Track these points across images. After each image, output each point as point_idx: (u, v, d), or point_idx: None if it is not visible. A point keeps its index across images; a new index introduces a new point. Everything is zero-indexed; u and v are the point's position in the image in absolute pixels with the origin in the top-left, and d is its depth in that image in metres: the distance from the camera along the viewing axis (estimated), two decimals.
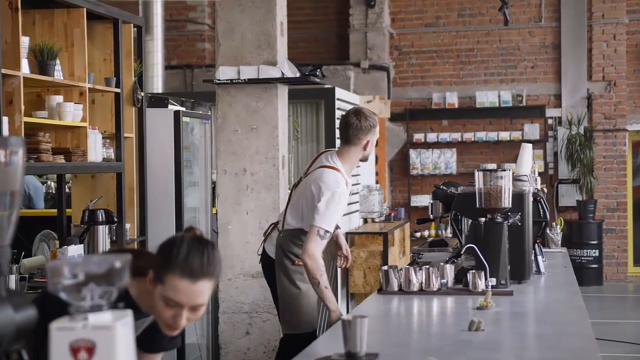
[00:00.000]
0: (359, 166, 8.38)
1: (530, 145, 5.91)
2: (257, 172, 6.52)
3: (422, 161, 13.75)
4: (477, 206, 4.66)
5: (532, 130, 13.51)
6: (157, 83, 11.01)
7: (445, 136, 13.69)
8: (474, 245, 4.57)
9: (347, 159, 5.04)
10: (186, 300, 2.57)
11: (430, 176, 13.47)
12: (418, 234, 13.52)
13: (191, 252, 2.58)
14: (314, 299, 5.08)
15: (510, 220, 4.73)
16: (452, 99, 13.73)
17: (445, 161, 13.69)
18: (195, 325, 7.16)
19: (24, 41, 4.99)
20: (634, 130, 13.69)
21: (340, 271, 8.68)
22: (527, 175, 5.40)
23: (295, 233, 5.03)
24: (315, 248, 4.79)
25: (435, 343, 3.32)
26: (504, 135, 13.43)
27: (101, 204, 5.94)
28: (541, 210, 5.29)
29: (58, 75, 5.27)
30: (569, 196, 13.46)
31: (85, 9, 5.53)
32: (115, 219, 5.87)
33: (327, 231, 4.82)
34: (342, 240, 5.47)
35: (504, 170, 4.68)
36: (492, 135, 13.50)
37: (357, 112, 5.10)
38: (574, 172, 13.20)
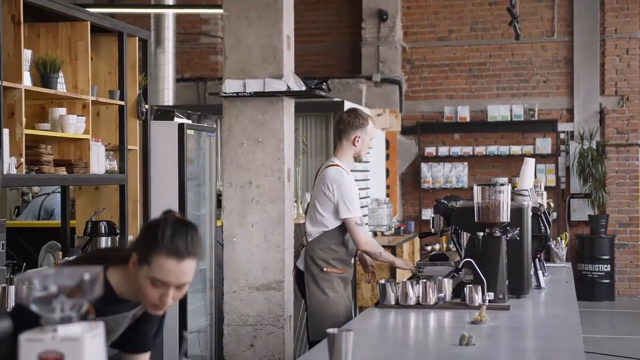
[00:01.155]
0: (367, 170, 8.38)
1: (532, 160, 5.90)
2: (263, 184, 6.53)
3: (434, 175, 13.74)
4: (476, 220, 4.67)
5: (544, 144, 13.48)
6: (167, 96, 11.07)
7: (456, 150, 13.69)
8: (471, 260, 4.58)
9: (341, 155, 5.47)
10: (173, 280, 2.66)
11: (441, 190, 13.45)
12: (429, 247, 13.49)
13: (176, 233, 2.67)
14: (341, 308, 5.38)
15: (509, 235, 4.73)
16: (464, 113, 13.74)
17: (457, 175, 13.68)
18: (199, 338, 7.18)
19: (27, 54, 5.04)
20: None
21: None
22: (528, 190, 5.39)
23: (318, 240, 5.40)
24: (364, 236, 5.38)
25: (424, 357, 3.33)
26: (516, 150, 13.40)
27: (105, 216, 5.97)
28: (542, 225, 5.29)
29: (61, 87, 5.32)
30: (580, 211, 13.42)
31: (89, 22, 5.58)
32: (118, 231, 5.91)
33: (360, 217, 5.32)
34: (366, 257, 5.71)
35: (503, 184, 4.68)
36: (504, 150, 13.48)
37: (349, 110, 5.66)
38: (585, 186, 13.16)
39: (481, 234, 4.65)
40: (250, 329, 6.65)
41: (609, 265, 13.04)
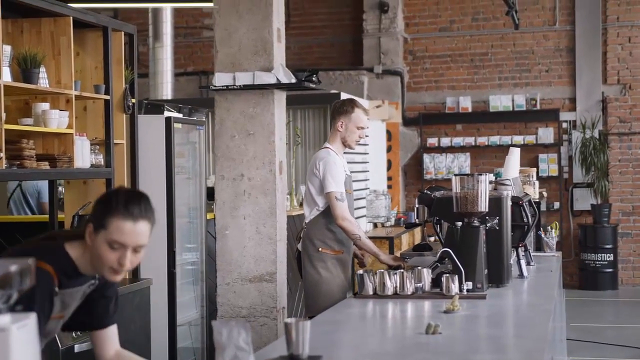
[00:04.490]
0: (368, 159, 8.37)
1: (517, 150, 5.91)
2: (254, 177, 6.55)
3: (436, 166, 13.74)
4: (454, 210, 4.68)
5: (547, 134, 13.45)
6: (166, 90, 11.11)
7: (459, 140, 13.68)
8: (449, 250, 4.59)
9: (332, 140, 5.81)
10: (129, 241, 2.83)
11: (444, 180, 13.42)
12: (432, 238, 13.49)
13: (129, 199, 2.87)
14: (335, 288, 5.61)
15: (488, 225, 4.74)
16: (466, 104, 13.72)
17: (459, 165, 13.67)
18: (190, 330, 7.22)
19: (6, 50, 5.07)
20: None
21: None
22: (510, 180, 5.40)
23: (315, 221, 5.68)
24: (342, 210, 5.51)
25: (387, 346, 3.36)
26: (518, 140, 13.37)
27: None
28: (524, 215, 5.29)
29: (43, 83, 5.35)
30: (583, 200, 13.39)
31: (71, 17, 5.61)
32: None
33: (341, 192, 5.54)
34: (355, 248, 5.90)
35: (480, 174, 4.69)
36: (506, 140, 13.45)
37: (342, 99, 6.05)
38: (588, 175, 13.14)
39: (460, 223, 4.67)
40: (243, 321, 6.68)
41: (612, 255, 13.02)
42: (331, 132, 5.88)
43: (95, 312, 3.14)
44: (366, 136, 6.10)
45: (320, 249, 5.65)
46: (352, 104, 5.83)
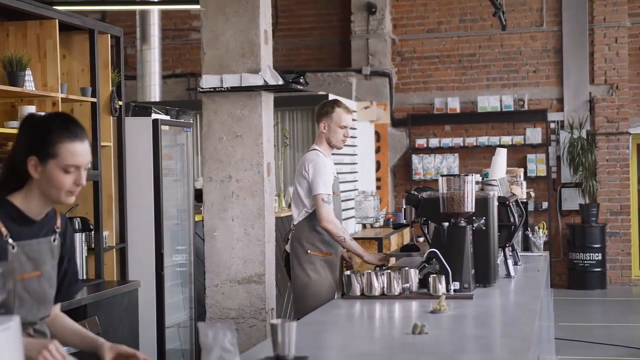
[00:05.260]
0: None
1: (504, 150, 5.93)
2: (242, 179, 6.55)
3: (425, 166, 13.76)
4: (441, 211, 4.70)
5: (535, 134, 13.49)
6: (154, 92, 11.10)
7: (447, 141, 13.71)
8: (436, 250, 4.61)
9: (318, 142, 5.89)
10: (82, 161, 2.92)
11: (432, 181, 13.44)
12: (421, 239, 13.51)
13: (66, 122, 2.93)
14: (323, 290, 5.68)
15: (475, 225, 4.76)
16: (454, 104, 13.75)
17: (448, 166, 13.70)
18: (179, 332, 7.22)
19: None
20: (637, 133, 13.64)
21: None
22: (497, 180, 5.42)
23: (303, 223, 5.73)
24: (326, 213, 5.56)
25: (373, 346, 3.37)
26: (506, 140, 13.41)
27: (80, 212, 6.01)
28: (511, 215, 5.31)
29: (29, 85, 5.35)
30: (571, 200, 13.44)
31: (57, 20, 5.61)
32: (92, 227, 5.94)
33: (328, 195, 5.59)
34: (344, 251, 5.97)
35: (467, 175, 4.71)
36: (494, 140, 13.49)
37: (323, 101, 6.13)
38: (576, 175, 13.17)
39: (446, 224, 4.68)
40: (231, 323, 6.68)
41: (600, 254, 13.06)
42: (318, 134, 5.95)
43: (64, 278, 3.15)
44: (352, 137, 6.11)
45: (309, 251, 5.70)
46: (332, 104, 5.93)
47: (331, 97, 9.91)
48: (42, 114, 3.06)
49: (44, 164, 2.88)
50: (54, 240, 3.05)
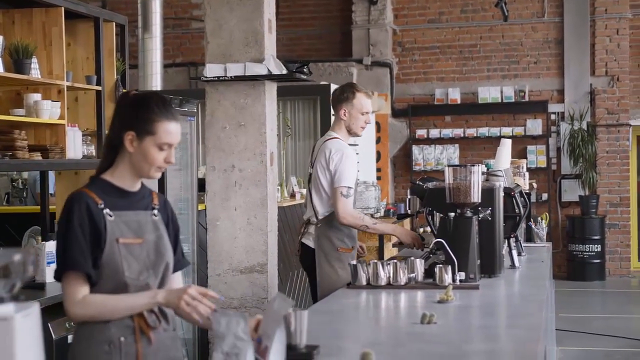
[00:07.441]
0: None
1: (509, 141, 5.94)
2: (245, 168, 6.54)
3: (425, 157, 13.77)
4: (447, 201, 4.70)
5: (535, 125, 13.49)
6: (156, 81, 11.04)
7: (447, 132, 13.71)
8: (442, 240, 4.61)
9: (337, 129, 5.65)
10: (175, 139, 3.08)
11: (433, 172, 13.45)
12: (421, 230, 13.52)
13: (164, 103, 3.09)
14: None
15: (480, 215, 4.77)
16: (455, 95, 13.75)
17: (448, 157, 13.71)
18: (181, 321, 7.21)
19: None
20: (637, 125, 13.65)
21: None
22: (502, 171, 5.42)
23: (331, 218, 5.45)
24: (343, 207, 5.35)
25: (382, 335, 3.37)
26: (507, 131, 13.41)
27: None
28: (516, 206, 5.31)
29: (35, 73, 5.34)
30: (571, 191, 13.45)
31: (63, 8, 5.60)
32: None
33: (349, 188, 5.41)
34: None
35: (473, 165, 4.71)
36: (495, 131, 13.49)
37: (341, 86, 5.83)
38: (576, 167, 13.19)
39: (452, 214, 4.68)
40: (241, 312, 6.68)
41: (599, 245, 13.09)
42: (335, 121, 5.72)
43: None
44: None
45: (339, 249, 5.49)
46: (352, 89, 5.66)
47: (333, 87, 9.91)
48: (138, 92, 3.20)
49: (140, 139, 3.03)
50: (154, 216, 3.16)
